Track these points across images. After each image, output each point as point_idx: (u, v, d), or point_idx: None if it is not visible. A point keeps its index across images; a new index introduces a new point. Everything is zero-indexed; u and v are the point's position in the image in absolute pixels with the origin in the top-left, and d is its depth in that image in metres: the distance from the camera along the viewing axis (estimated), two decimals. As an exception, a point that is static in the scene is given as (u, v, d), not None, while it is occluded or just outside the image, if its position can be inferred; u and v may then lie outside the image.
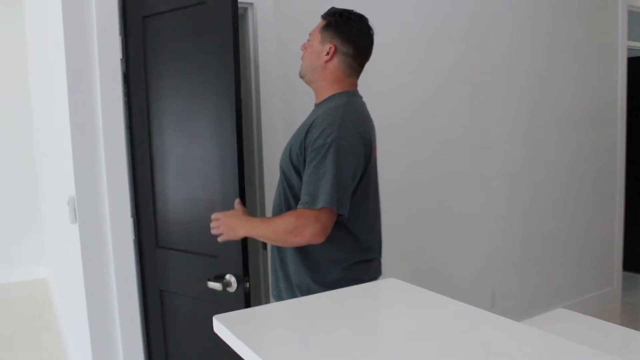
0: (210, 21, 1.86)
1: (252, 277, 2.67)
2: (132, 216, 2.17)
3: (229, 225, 1.73)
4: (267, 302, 2.51)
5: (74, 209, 2.13)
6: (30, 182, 5.24)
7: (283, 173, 1.76)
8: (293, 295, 1.74)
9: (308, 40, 1.80)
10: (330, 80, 1.74)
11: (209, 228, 1.78)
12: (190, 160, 2.01)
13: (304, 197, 1.57)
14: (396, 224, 2.90)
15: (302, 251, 1.70)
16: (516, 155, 3.49)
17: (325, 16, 1.76)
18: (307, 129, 1.64)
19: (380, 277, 1.82)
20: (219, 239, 1.76)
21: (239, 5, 2.44)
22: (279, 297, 1.82)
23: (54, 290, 4.46)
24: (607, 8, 3.89)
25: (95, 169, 2.09)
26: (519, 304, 3.57)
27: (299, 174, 1.66)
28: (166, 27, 2.03)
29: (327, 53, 1.71)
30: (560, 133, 3.69)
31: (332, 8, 1.77)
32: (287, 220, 1.59)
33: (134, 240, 2.19)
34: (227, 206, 1.85)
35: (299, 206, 1.59)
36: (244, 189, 1.86)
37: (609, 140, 4.03)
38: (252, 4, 2.45)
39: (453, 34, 3.11)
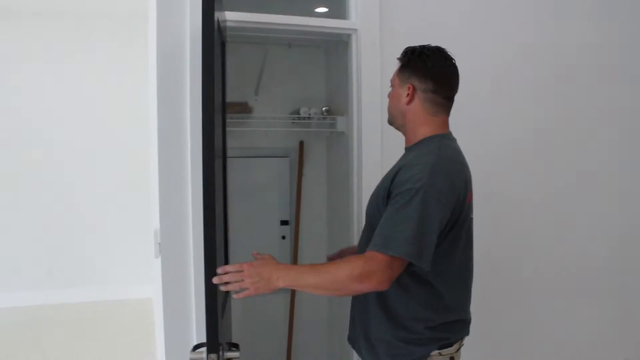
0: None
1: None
2: (217, 254, 2.04)
3: (260, 276, 1.45)
4: None
5: (158, 243, 2.04)
6: (146, 200, 5.40)
7: (369, 220, 1.62)
8: (371, 348, 1.60)
9: (391, 87, 1.70)
10: (417, 123, 1.61)
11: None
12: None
13: (376, 238, 1.40)
14: (487, 277, 2.56)
15: (386, 308, 1.56)
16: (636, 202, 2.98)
17: (400, 57, 1.66)
18: (394, 174, 1.51)
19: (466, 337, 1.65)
20: (240, 295, 1.49)
21: (342, 31, 2.29)
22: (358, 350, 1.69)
23: (156, 311, 4.52)
24: None
25: (181, 203, 2.00)
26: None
27: None
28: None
29: (407, 94, 1.59)
30: None
31: (406, 48, 1.66)
32: (353, 265, 1.38)
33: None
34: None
35: (369, 248, 1.41)
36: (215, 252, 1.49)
37: None
38: (355, 30, 2.27)
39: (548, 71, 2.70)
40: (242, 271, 1.47)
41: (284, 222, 2.85)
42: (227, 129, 2.52)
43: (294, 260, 2.81)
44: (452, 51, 1.61)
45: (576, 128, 2.75)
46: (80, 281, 5.43)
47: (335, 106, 2.75)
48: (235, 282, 1.47)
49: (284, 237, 2.85)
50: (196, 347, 1.57)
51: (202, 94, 1.52)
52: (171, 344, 2.01)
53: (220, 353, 1.49)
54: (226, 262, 2.01)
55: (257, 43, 2.69)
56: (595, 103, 2.78)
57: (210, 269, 1.48)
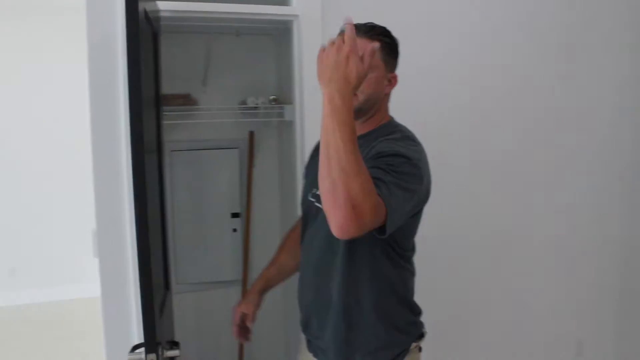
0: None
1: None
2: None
3: (337, 67, 1.24)
4: None
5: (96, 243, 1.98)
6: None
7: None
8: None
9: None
10: (382, 112, 1.54)
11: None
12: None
13: (376, 172, 1.25)
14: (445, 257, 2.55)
15: (384, 309, 1.49)
16: (607, 181, 2.98)
17: (380, 38, 1.44)
18: (367, 150, 1.38)
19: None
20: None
21: (282, 18, 2.24)
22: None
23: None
24: None
25: (117, 201, 1.94)
26: (612, 355, 3.08)
27: None
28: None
29: (388, 84, 1.50)
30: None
31: (381, 27, 1.48)
32: (375, 194, 1.18)
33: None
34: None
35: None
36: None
37: None
38: (297, 15, 2.21)
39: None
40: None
41: (235, 215, 2.79)
42: (170, 122, 2.47)
43: (245, 253, 2.76)
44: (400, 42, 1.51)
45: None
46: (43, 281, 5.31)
47: (284, 95, 2.69)
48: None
49: (235, 230, 2.80)
50: (135, 347, 1.53)
51: (129, 89, 1.47)
52: (112, 344, 1.96)
53: (160, 352, 1.47)
54: (165, 259, 1.96)
55: (203, 33, 2.61)
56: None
57: (145, 267, 1.45)
